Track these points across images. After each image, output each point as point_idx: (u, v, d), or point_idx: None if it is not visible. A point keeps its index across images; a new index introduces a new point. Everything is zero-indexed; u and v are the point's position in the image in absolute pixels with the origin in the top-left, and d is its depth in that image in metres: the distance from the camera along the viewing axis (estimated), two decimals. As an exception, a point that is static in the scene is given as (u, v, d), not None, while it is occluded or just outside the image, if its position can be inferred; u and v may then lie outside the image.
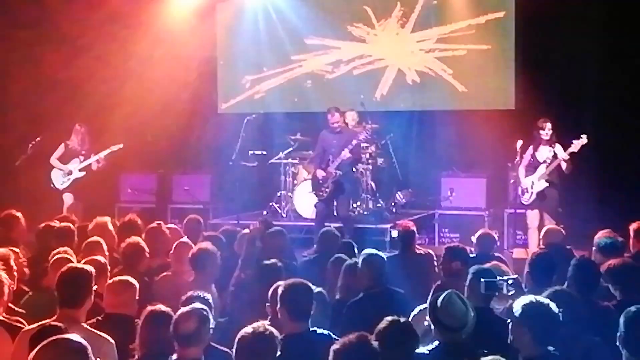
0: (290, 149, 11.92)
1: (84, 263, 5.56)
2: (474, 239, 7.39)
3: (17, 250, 6.55)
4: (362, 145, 10.78)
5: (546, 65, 11.58)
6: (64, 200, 10.86)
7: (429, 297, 4.72)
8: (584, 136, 9.40)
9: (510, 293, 5.09)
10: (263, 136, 12.07)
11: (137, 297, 5.32)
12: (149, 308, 4.76)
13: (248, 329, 4.23)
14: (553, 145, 9.72)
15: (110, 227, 7.70)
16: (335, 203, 10.45)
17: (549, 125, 9.73)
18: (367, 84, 12.71)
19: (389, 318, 4.38)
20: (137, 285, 5.37)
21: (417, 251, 7.49)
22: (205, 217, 11.42)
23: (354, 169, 10.85)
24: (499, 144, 11.21)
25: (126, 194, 12.67)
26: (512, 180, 10.39)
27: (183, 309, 4.48)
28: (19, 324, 5.03)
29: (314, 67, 13.10)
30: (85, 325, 4.91)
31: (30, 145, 10.89)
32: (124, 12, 12.45)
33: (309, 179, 11.29)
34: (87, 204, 10.92)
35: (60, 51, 12.38)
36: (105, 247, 6.73)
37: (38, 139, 10.90)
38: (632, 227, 7.17)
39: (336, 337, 4.48)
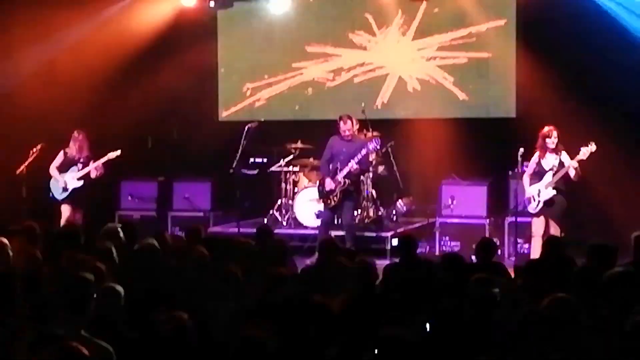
0: (291, 156, 11.91)
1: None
2: (474, 246, 7.36)
3: None
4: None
5: (547, 73, 11.57)
6: (62, 212, 10.74)
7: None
8: (592, 143, 9.39)
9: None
10: (264, 144, 12.07)
11: None
12: None
13: None
14: (559, 153, 9.70)
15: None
16: (339, 211, 10.46)
17: (555, 133, 9.71)
18: (368, 91, 12.70)
19: (389, 328, 4.36)
20: None
21: (418, 259, 7.47)
22: (206, 224, 11.45)
23: (361, 178, 10.85)
24: (500, 152, 11.22)
25: (127, 202, 12.66)
26: (514, 188, 10.38)
27: None
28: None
29: (314, 74, 13.10)
30: (84, 333, 4.89)
31: (32, 152, 10.84)
32: (124, 18, 12.48)
33: (309, 186, 11.30)
34: (87, 212, 10.89)
35: (61, 57, 12.42)
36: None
37: (39, 146, 10.85)
38: (634, 235, 7.16)
39: None
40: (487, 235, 10.40)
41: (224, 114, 13.56)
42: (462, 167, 11.73)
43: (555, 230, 9.63)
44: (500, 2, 12.05)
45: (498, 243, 9.79)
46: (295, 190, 11.73)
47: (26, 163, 10.90)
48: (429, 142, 12.13)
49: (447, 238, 11.23)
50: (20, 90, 12.37)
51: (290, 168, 11.87)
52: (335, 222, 10.75)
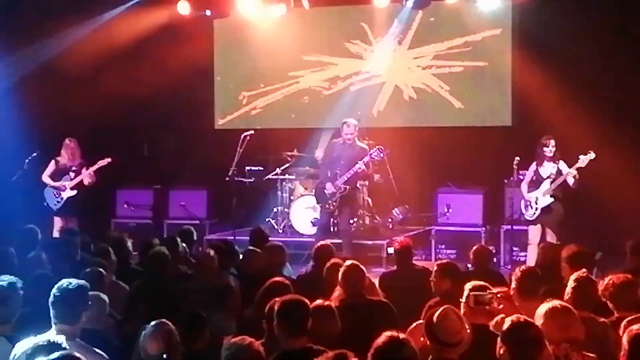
0: (287, 165, 11.92)
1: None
2: (471, 254, 7.37)
3: None
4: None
5: (543, 81, 11.61)
6: (56, 222, 10.70)
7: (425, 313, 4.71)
8: (591, 152, 9.41)
9: (500, 307, 5.09)
10: (260, 152, 12.07)
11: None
12: None
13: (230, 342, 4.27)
14: (557, 162, 9.73)
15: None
16: (335, 217, 10.46)
17: (552, 142, 9.73)
18: (364, 100, 12.72)
19: (388, 333, 4.35)
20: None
21: (414, 267, 7.47)
22: (202, 232, 11.44)
23: (358, 185, 10.84)
24: (496, 160, 11.24)
25: (122, 210, 12.65)
26: (510, 197, 10.40)
27: None
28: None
29: (311, 83, 13.12)
30: (80, 341, 4.88)
31: (27, 160, 10.81)
32: (120, 26, 12.49)
33: (305, 194, 11.30)
34: (83, 219, 10.87)
35: (56, 67, 12.42)
36: None
37: (35, 154, 10.83)
38: (629, 244, 7.18)
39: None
40: (483, 243, 10.40)
41: (220, 122, 13.57)
42: (458, 176, 11.76)
43: (551, 237, 9.65)
44: (496, 11, 12.08)
45: (494, 251, 9.79)
46: (291, 198, 11.74)
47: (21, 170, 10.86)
48: (425, 151, 12.15)
49: (443, 246, 11.25)
50: (16, 96, 12.37)
51: (286, 176, 11.88)
52: (332, 229, 10.74)
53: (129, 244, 7.73)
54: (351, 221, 10.92)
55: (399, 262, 7.42)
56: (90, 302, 5.07)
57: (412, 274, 7.21)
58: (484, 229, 11.14)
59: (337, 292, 6.01)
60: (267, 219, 11.93)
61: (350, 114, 11.82)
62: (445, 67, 12.49)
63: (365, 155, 10.10)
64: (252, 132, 11.36)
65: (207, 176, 12.60)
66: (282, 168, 11.88)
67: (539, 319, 4.49)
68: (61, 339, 4.40)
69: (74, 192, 10.74)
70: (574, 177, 9.52)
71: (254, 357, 4.29)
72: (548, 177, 9.74)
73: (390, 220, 11.79)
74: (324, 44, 13.00)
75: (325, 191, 10.31)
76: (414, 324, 5.12)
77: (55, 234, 10.17)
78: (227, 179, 11.15)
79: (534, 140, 9.98)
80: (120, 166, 11.01)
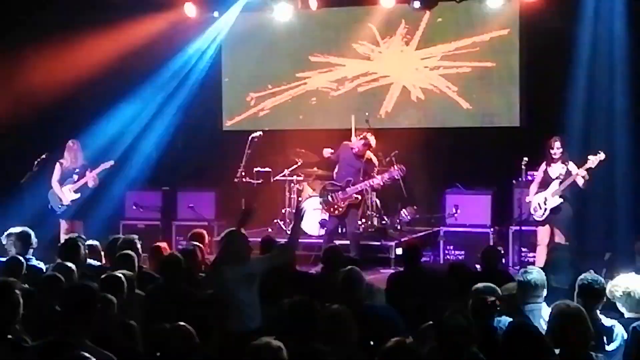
0: (295, 166, 11.93)
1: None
2: (480, 254, 7.36)
3: None
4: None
5: (551, 82, 11.59)
6: (62, 226, 10.68)
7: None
8: (601, 152, 9.38)
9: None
10: (268, 153, 12.09)
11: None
12: None
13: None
14: (566, 163, 9.71)
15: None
16: (344, 219, 10.49)
17: (558, 144, 9.71)
18: (372, 101, 12.73)
19: (396, 338, 4.35)
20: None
21: (422, 268, 7.47)
22: (210, 234, 11.44)
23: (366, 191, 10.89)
24: (504, 161, 11.20)
25: (131, 211, 12.67)
26: (518, 197, 10.38)
27: None
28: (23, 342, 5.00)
29: (318, 84, 13.13)
30: (89, 342, 4.89)
31: (36, 162, 10.83)
32: (126, 28, 12.52)
33: (313, 195, 11.30)
34: (92, 222, 10.89)
35: (64, 68, 12.45)
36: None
37: (44, 155, 10.84)
38: (638, 244, 7.17)
39: None
40: (491, 244, 10.40)
41: (228, 124, 13.59)
42: (466, 176, 11.73)
43: (560, 238, 9.63)
44: (504, 11, 12.06)
45: (502, 252, 9.78)
46: (300, 199, 11.75)
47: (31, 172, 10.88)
48: (433, 152, 12.15)
49: (452, 247, 11.23)
50: (26, 99, 12.43)
51: (294, 177, 11.89)
52: (340, 231, 10.77)
53: (139, 245, 7.74)
54: (359, 222, 10.95)
55: (407, 263, 7.42)
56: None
57: (420, 275, 7.21)
58: (492, 229, 11.12)
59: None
60: (275, 221, 11.94)
61: (358, 115, 11.87)
62: (453, 67, 12.47)
63: (386, 173, 10.24)
64: (260, 133, 11.38)
65: (215, 178, 12.62)
66: (290, 169, 11.89)
67: None
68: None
69: (77, 195, 10.74)
70: (584, 177, 9.49)
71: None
72: (557, 178, 9.73)
73: (398, 221, 11.78)
74: (331, 45, 13.00)
75: (333, 197, 10.35)
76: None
77: (63, 237, 10.18)
78: (236, 180, 11.17)
79: (542, 140, 9.96)
80: (129, 168, 11.01)
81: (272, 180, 12.10)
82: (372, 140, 10.44)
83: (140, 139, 13.01)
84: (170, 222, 12.50)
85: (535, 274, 5.58)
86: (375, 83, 12.88)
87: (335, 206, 10.40)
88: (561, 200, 9.69)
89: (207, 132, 13.23)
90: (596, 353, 4.60)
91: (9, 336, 4.99)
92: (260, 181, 12.09)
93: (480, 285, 5.46)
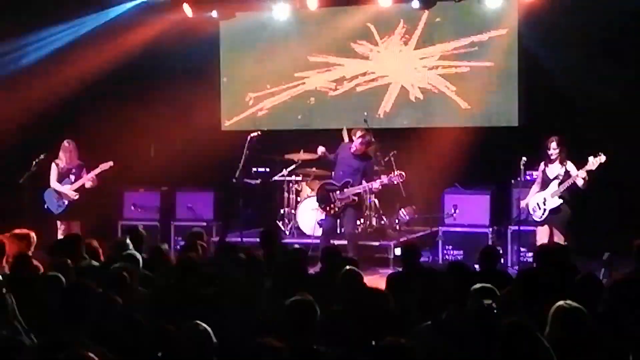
0: (294, 166, 11.92)
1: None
2: (478, 254, 7.35)
3: None
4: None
5: (549, 81, 11.60)
6: (59, 225, 10.67)
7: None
8: (601, 154, 9.34)
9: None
10: (266, 154, 12.08)
11: None
12: None
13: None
14: (564, 163, 9.68)
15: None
16: (341, 219, 10.50)
17: (554, 144, 9.68)
18: (371, 101, 12.72)
19: (390, 338, 4.34)
20: None
21: (421, 268, 7.45)
22: (209, 234, 11.44)
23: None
24: (503, 160, 11.21)
25: (129, 212, 12.66)
26: (517, 197, 10.38)
27: None
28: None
29: (317, 84, 13.12)
30: (88, 341, 4.88)
31: (34, 162, 10.82)
32: (126, 28, 12.52)
33: (312, 196, 11.30)
34: (90, 222, 10.88)
35: (63, 69, 12.46)
36: None
37: (42, 156, 10.83)
38: (637, 243, 7.16)
39: None
40: (490, 244, 10.40)
41: (227, 124, 13.58)
42: (465, 176, 11.73)
43: (559, 239, 9.62)
44: (502, 11, 12.07)
45: (501, 252, 9.77)
46: (298, 199, 11.75)
47: (29, 172, 10.86)
48: (432, 151, 12.14)
49: (450, 247, 11.23)
50: (24, 97, 12.42)
51: (293, 177, 11.89)
52: (338, 230, 10.76)
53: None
54: (358, 222, 10.94)
55: (405, 263, 7.41)
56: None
57: (419, 275, 7.20)
58: (491, 229, 11.12)
59: None
60: (273, 221, 11.94)
61: (357, 114, 11.87)
62: (451, 67, 12.47)
63: (384, 176, 10.29)
64: (258, 133, 11.37)
65: (213, 178, 12.61)
66: (288, 169, 11.88)
67: None
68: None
69: (76, 195, 10.71)
70: (584, 179, 9.47)
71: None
72: (555, 178, 9.71)
73: (397, 221, 11.78)
74: (330, 45, 12.99)
75: (330, 196, 10.36)
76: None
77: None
78: (234, 180, 11.16)
79: (540, 140, 9.95)
80: (127, 168, 10.99)
81: (270, 180, 12.10)
82: (370, 138, 10.44)
83: (138, 139, 13.00)
84: (168, 222, 12.49)
85: None
86: (374, 83, 12.87)
87: (332, 206, 10.40)
88: (561, 201, 9.68)
89: (205, 132, 13.22)
90: None
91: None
92: (258, 181, 12.08)
93: (478, 285, 5.44)
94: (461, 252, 11.07)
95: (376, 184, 10.37)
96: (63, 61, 12.51)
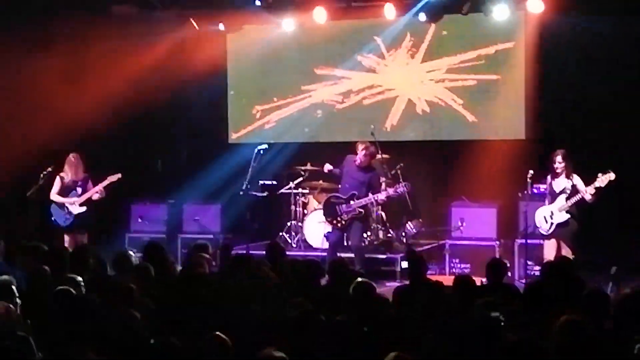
0: (301, 179, 11.94)
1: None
2: (485, 267, 7.33)
3: None
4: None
5: (556, 95, 11.59)
6: (66, 238, 10.62)
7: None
8: (611, 172, 9.28)
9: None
10: (273, 166, 12.09)
11: None
12: None
13: None
14: (571, 177, 9.64)
15: None
16: (348, 232, 10.50)
17: (559, 157, 9.65)
18: (377, 114, 12.73)
19: (394, 353, 4.32)
20: None
21: (428, 281, 7.44)
22: (215, 246, 11.43)
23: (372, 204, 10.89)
24: (510, 174, 11.19)
25: (136, 224, 12.68)
26: (524, 210, 10.35)
27: None
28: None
29: (324, 97, 13.14)
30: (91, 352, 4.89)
31: (42, 175, 10.83)
32: (132, 42, 12.56)
33: (319, 209, 11.30)
34: (97, 234, 10.89)
35: (70, 82, 12.49)
36: None
37: (50, 169, 10.85)
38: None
39: None
40: (497, 257, 10.36)
41: (234, 137, 13.60)
42: (472, 189, 11.72)
43: (567, 252, 9.57)
44: (509, 24, 12.04)
45: (508, 265, 9.74)
46: (305, 212, 11.76)
47: (36, 185, 10.88)
48: (439, 165, 12.14)
49: (457, 260, 11.20)
50: (34, 111, 12.46)
51: (300, 190, 11.90)
52: (346, 243, 10.76)
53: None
54: (364, 235, 10.94)
55: (412, 277, 7.40)
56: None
57: (426, 288, 7.19)
58: (498, 242, 11.10)
59: None
60: (280, 234, 11.94)
61: (363, 127, 11.87)
62: (458, 80, 12.48)
63: (390, 188, 10.31)
64: (265, 146, 11.38)
65: (220, 190, 12.62)
66: (295, 182, 11.89)
67: None
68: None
69: (84, 208, 10.71)
70: (592, 194, 9.42)
71: None
72: (562, 192, 9.67)
73: (404, 234, 11.76)
74: (337, 58, 13.01)
75: (337, 209, 10.37)
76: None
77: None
78: (241, 193, 11.17)
79: (547, 153, 9.94)
80: (135, 181, 11.00)
81: (277, 193, 12.11)
82: (374, 149, 10.45)
83: (146, 151, 13.03)
84: (175, 234, 12.50)
85: None
86: (381, 96, 12.89)
87: (339, 219, 10.40)
88: (568, 215, 9.64)
89: (212, 144, 13.24)
90: None
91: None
92: (265, 194, 12.09)
93: (484, 300, 5.43)
94: (468, 265, 11.04)
95: (382, 196, 10.38)
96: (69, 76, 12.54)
